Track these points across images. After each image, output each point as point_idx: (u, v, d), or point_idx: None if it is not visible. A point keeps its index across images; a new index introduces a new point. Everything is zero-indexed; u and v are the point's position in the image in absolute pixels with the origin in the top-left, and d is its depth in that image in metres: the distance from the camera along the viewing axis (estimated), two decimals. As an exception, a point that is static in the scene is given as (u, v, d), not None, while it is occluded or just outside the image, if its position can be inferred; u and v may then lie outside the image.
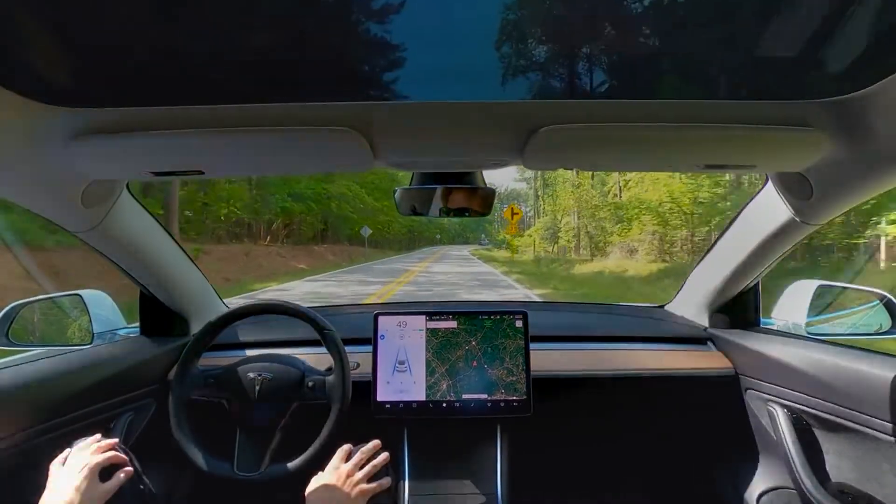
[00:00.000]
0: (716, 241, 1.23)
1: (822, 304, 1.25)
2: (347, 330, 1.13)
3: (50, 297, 1.25)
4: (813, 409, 0.97)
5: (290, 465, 0.98)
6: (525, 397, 1.11)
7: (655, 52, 0.57)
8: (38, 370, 0.97)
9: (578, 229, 23.31)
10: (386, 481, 0.87)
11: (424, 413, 1.11)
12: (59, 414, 0.95)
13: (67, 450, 0.80)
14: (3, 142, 0.64)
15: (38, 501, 0.73)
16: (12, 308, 1.13)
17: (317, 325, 1.05)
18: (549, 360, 1.23)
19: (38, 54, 0.53)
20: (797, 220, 0.94)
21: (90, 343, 1.19)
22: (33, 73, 0.56)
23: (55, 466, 0.77)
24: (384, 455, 0.90)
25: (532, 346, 1.15)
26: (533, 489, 1.33)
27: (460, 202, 0.97)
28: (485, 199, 0.97)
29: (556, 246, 27.98)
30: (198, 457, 1.00)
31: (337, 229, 28.64)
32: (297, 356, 1.11)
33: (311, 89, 0.61)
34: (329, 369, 1.09)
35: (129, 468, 0.83)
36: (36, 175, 0.74)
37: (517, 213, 21.40)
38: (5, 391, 0.88)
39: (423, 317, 1.17)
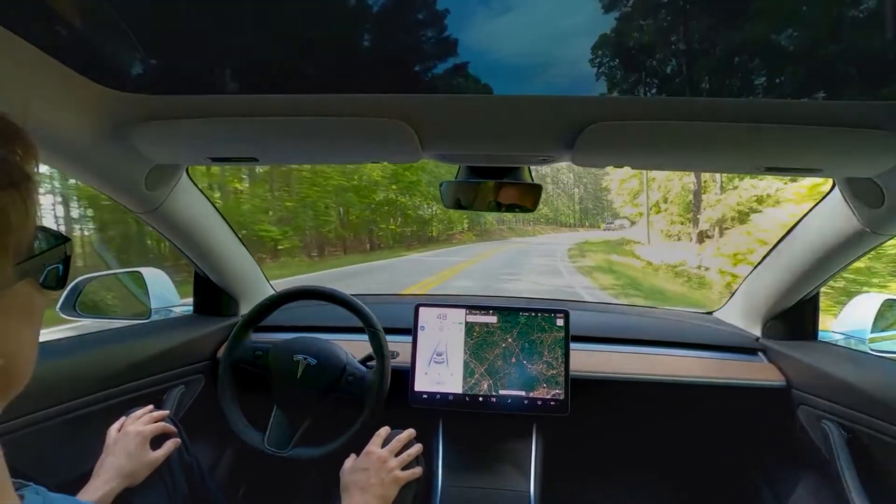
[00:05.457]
0: (773, 248, 1.16)
1: (888, 319, 1.17)
2: (388, 319, 1.14)
3: (113, 273, 1.34)
4: (871, 429, 0.91)
5: (317, 450, 1.01)
6: (563, 397, 1.10)
7: (715, 47, 0.54)
8: (100, 340, 1.04)
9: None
10: (418, 470, 0.89)
11: (460, 406, 1.12)
12: (117, 383, 1.02)
13: (123, 418, 0.88)
14: (79, 125, 0.70)
15: (95, 463, 0.79)
16: (80, 281, 1.22)
17: (366, 320, 1.07)
18: (589, 360, 1.20)
19: (111, 45, 0.58)
20: (865, 229, 0.88)
21: (148, 318, 1.27)
22: (107, 62, 0.60)
23: (112, 432, 0.84)
24: (418, 446, 0.92)
25: (572, 345, 1.13)
26: (566, 489, 1.31)
27: (507, 197, 0.96)
28: (532, 195, 0.96)
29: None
30: (235, 421, 1.06)
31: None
32: (339, 342, 1.14)
33: (363, 81, 0.62)
34: (367, 359, 1.11)
35: (178, 439, 0.89)
36: (106, 158, 0.80)
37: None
38: (71, 359, 0.95)
39: (464, 310, 1.17)
